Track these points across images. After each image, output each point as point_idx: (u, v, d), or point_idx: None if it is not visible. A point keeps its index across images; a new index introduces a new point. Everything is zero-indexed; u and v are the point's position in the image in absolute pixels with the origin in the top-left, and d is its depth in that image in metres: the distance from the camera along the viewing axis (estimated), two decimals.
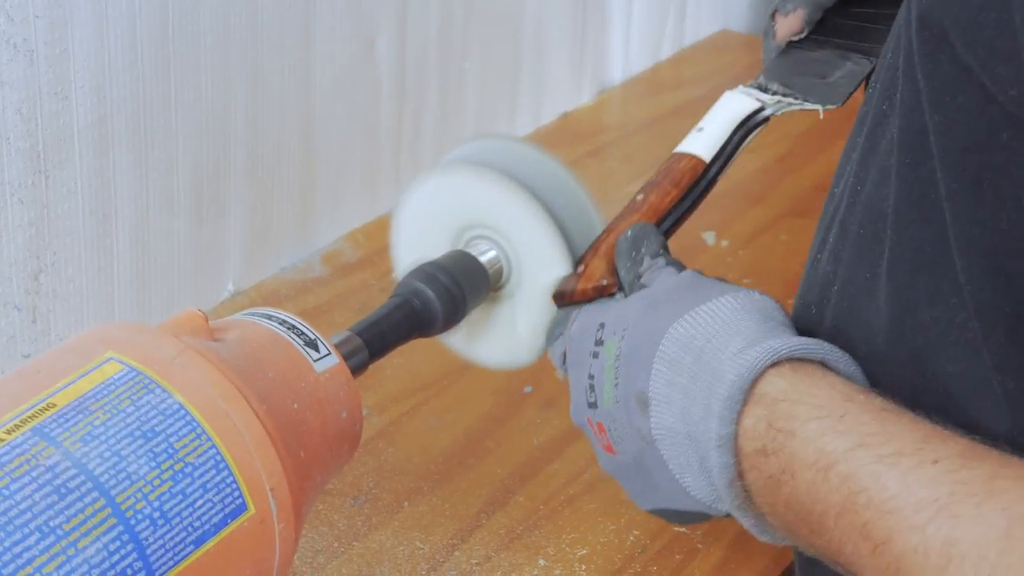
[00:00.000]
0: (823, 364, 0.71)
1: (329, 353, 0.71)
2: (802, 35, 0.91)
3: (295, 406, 0.67)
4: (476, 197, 0.87)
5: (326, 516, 0.96)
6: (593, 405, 0.76)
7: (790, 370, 0.69)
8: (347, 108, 1.28)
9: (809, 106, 0.86)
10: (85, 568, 0.57)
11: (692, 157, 0.82)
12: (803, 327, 0.77)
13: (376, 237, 1.32)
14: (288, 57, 1.20)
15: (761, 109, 0.84)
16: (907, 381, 0.70)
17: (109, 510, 0.59)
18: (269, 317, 0.71)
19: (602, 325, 0.77)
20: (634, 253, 0.79)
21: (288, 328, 0.71)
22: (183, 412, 0.62)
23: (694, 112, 1.62)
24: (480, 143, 0.90)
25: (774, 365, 0.69)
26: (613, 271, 0.80)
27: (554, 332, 0.85)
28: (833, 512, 0.65)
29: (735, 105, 0.84)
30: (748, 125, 0.83)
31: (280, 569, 0.65)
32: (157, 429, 0.61)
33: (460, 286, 0.84)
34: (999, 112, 0.62)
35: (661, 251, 0.79)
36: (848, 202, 0.75)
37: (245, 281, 1.22)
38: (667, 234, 0.82)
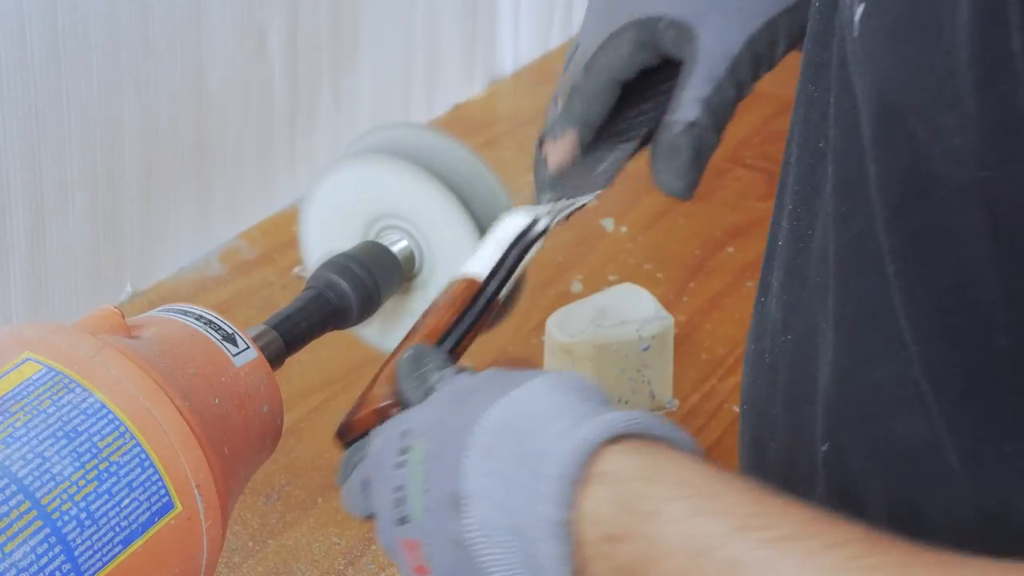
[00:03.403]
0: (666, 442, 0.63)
1: (248, 347, 0.70)
2: (575, 160, 0.87)
3: (217, 401, 0.66)
4: (384, 186, 0.86)
5: (239, 515, 0.95)
6: (403, 521, 0.66)
7: (636, 448, 0.62)
8: (240, 103, 1.27)
9: (582, 201, 0.85)
10: (13, 572, 0.56)
11: (467, 279, 0.79)
12: (757, 376, 0.74)
13: (273, 233, 1.30)
14: (180, 52, 1.18)
15: (535, 222, 0.82)
16: (861, 443, 0.66)
17: (35, 512, 0.57)
18: (185, 313, 0.70)
19: (405, 432, 0.68)
20: (417, 372, 0.73)
21: (205, 323, 0.70)
22: (105, 411, 0.61)
23: None
24: (385, 132, 0.90)
25: (613, 442, 0.62)
26: (395, 394, 0.74)
27: (345, 469, 0.74)
28: None
29: (509, 224, 0.82)
30: (524, 241, 0.81)
31: (208, 566, 0.64)
32: (80, 429, 0.60)
33: (373, 276, 0.83)
34: (933, 168, 0.58)
35: (447, 364, 0.73)
36: (797, 246, 0.71)
37: (143, 281, 1.21)
38: (453, 353, 0.78)
